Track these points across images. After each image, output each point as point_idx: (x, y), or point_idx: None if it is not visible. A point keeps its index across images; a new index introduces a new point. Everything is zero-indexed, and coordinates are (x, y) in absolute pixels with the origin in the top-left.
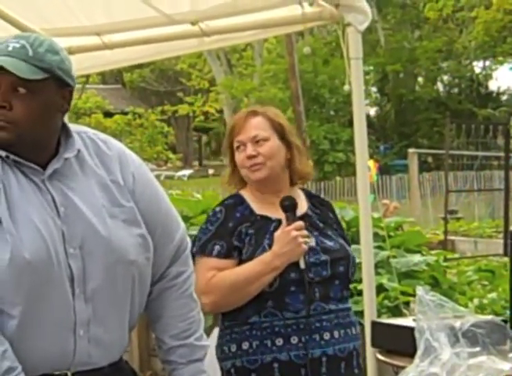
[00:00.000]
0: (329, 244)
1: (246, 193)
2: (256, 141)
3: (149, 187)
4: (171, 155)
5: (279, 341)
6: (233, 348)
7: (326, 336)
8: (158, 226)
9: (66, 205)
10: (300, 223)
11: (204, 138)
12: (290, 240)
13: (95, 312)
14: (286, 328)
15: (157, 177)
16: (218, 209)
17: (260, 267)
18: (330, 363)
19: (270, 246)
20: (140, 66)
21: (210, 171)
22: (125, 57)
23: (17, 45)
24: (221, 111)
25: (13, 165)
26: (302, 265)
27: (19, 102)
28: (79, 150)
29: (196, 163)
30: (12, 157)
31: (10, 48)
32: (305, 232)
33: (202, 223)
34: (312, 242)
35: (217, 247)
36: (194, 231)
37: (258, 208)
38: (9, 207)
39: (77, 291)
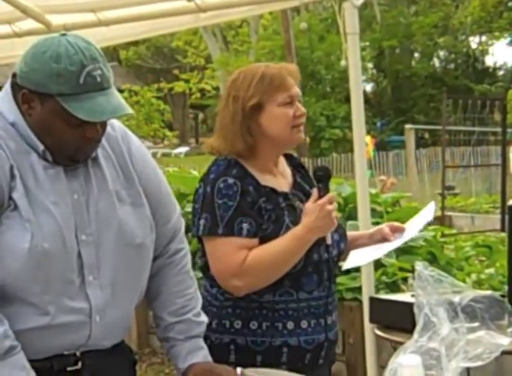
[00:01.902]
0: None
1: (242, 160)
2: (299, 100)
3: (149, 168)
4: (167, 132)
5: (290, 325)
6: (237, 324)
7: (329, 320)
8: (159, 207)
9: (79, 192)
10: (332, 195)
11: (201, 115)
12: (325, 215)
13: (112, 298)
14: (298, 311)
15: (154, 154)
16: (231, 181)
17: (295, 243)
18: (328, 348)
19: (293, 222)
20: (136, 43)
21: None
22: (121, 34)
23: (101, 72)
24: (217, 88)
25: (40, 157)
26: (329, 240)
27: None
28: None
29: (192, 140)
30: (47, 153)
31: (104, 79)
32: (336, 205)
33: (209, 198)
34: None
35: (245, 226)
36: (190, 208)
37: (261, 179)
38: (26, 195)
39: (90, 278)
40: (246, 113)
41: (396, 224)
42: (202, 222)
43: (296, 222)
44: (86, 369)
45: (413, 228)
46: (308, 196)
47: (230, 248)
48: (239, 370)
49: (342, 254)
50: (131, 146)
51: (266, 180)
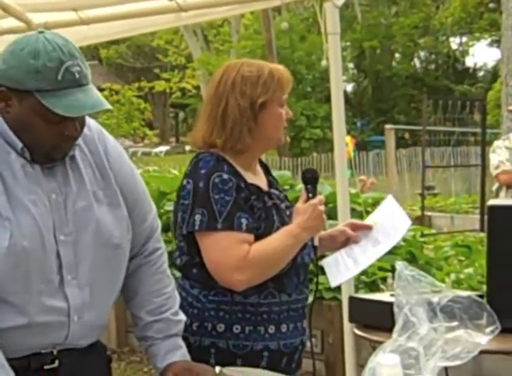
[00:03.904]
0: None
1: (230, 159)
2: None
3: (126, 167)
4: (147, 131)
5: (272, 329)
6: (220, 327)
7: (304, 324)
8: (135, 206)
9: (57, 192)
10: (322, 197)
11: (181, 114)
12: (317, 215)
13: (91, 297)
14: (279, 315)
15: (134, 153)
16: (225, 177)
17: (291, 240)
18: (301, 352)
19: (281, 223)
20: (117, 42)
21: (187, 148)
22: (102, 33)
23: (79, 69)
24: (197, 87)
25: (19, 155)
26: (316, 242)
27: None
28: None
29: (172, 139)
30: (26, 151)
31: (82, 75)
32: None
33: (204, 193)
34: None
35: (244, 221)
36: (170, 207)
37: (247, 176)
38: (5, 193)
39: (68, 278)
40: (255, 109)
41: (356, 222)
42: (198, 217)
43: (282, 222)
44: (63, 367)
45: (390, 228)
46: (281, 196)
47: (232, 242)
48: (217, 368)
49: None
50: (108, 145)
51: (250, 178)
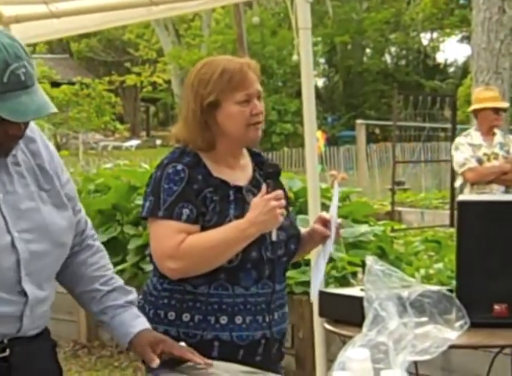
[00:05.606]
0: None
1: (201, 152)
2: (258, 97)
3: (63, 169)
4: (118, 125)
5: (224, 320)
6: (171, 315)
7: (268, 318)
8: (75, 205)
9: (5, 192)
10: (279, 193)
11: (152, 108)
12: (269, 210)
13: (42, 293)
14: (234, 307)
15: (105, 147)
16: (179, 168)
17: (234, 234)
18: (267, 345)
19: (236, 217)
20: (87, 35)
21: (158, 142)
22: (72, 26)
23: (25, 70)
24: (168, 82)
25: None
26: (274, 237)
27: None
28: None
29: (143, 133)
30: None
31: (28, 77)
32: (283, 202)
33: (157, 182)
34: None
35: (186, 211)
36: (141, 201)
37: (215, 170)
38: None
39: (23, 274)
40: (204, 109)
41: (322, 215)
42: (147, 204)
43: (241, 217)
44: (14, 355)
45: (334, 218)
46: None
47: (168, 231)
48: (182, 343)
49: (293, 256)
50: (48, 146)
51: (220, 172)
